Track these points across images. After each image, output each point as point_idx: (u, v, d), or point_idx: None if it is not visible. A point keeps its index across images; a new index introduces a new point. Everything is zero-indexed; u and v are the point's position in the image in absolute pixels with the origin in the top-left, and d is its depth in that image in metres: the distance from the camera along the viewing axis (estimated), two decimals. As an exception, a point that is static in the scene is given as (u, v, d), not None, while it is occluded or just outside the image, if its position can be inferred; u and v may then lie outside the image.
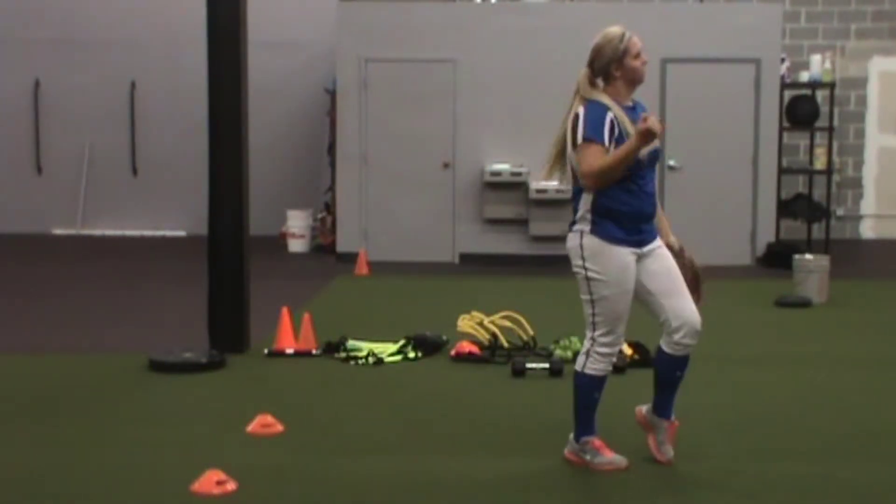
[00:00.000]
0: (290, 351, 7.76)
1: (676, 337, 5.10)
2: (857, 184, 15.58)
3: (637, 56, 5.11)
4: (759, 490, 4.97)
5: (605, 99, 5.08)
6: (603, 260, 5.04)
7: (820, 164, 13.60)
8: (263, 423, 5.86)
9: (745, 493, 4.94)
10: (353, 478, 5.11)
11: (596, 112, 5.03)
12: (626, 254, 5.03)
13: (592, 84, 5.15)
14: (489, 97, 13.03)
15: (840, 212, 15.44)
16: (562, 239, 13.88)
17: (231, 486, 4.89)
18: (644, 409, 5.40)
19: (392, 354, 7.71)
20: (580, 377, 5.23)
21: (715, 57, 12.80)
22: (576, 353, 7.47)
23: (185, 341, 7.87)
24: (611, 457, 5.23)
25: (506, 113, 13.04)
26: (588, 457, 5.24)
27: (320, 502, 4.84)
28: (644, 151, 4.96)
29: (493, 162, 13.00)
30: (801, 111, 13.57)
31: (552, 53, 12.96)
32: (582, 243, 5.09)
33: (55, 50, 15.59)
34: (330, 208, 14.12)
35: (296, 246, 14.07)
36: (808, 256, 10.53)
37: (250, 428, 5.84)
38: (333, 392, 6.82)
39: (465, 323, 7.96)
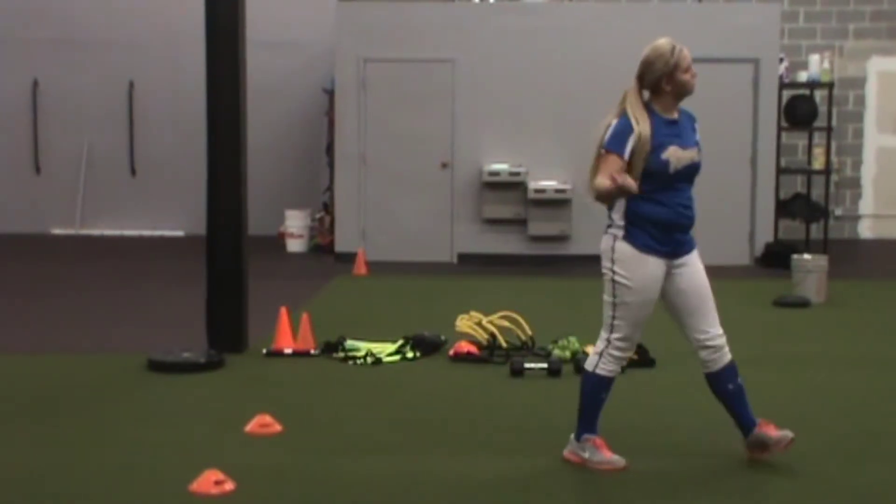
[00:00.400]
0: (288, 351, 7.76)
1: (701, 355, 5.21)
2: (855, 184, 15.58)
3: (687, 70, 5.12)
4: (757, 490, 4.97)
5: (644, 115, 5.09)
6: (632, 267, 5.08)
7: (818, 163, 13.61)
8: (262, 423, 5.86)
9: (743, 492, 4.94)
10: (351, 478, 5.12)
11: (624, 125, 5.07)
12: (655, 263, 5.09)
13: (639, 97, 5.15)
14: (488, 97, 13.03)
15: (838, 212, 15.45)
16: (559, 239, 14.00)
17: (229, 485, 4.89)
18: (745, 447, 5.38)
19: (390, 354, 7.71)
20: (590, 376, 5.25)
21: (713, 57, 12.78)
22: (574, 353, 7.52)
23: (184, 341, 7.86)
24: (609, 456, 5.23)
25: (504, 113, 13.04)
26: (587, 454, 5.24)
27: (319, 502, 4.84)
28: (680, 164, 5.05)
29: (492, 162, 13.00)
30: (799, 111, 13.58)
31: (551, 53, 12.97)
32: (614, 246, 5.13)
33: (54, 50, 15.59)
34: (328, 208, 14.12)
35: (294, 246, 14.08)
36: (807, 256, 10.54)
37: (249, 428, 5.84)
38: (332, 392, 6.82)
39: (464, 323, 7.96)
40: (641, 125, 5.04)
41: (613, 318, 5.15)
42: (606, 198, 5.05)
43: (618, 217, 5.13)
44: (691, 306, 5.17)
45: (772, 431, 5.27)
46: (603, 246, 5.19)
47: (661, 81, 5.12)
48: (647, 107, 5.14)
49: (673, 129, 5.12)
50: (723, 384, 5.25)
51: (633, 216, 5.08)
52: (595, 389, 5.25)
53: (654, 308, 5.18)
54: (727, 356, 5.24)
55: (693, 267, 5.19)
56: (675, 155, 5.06)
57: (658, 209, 5.07)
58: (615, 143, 5.06)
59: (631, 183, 4.89)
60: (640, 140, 5.02)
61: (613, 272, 5.11)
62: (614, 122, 5.13)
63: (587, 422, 5.29)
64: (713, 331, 5.20)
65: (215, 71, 7.76)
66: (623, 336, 5.16)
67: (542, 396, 6.69)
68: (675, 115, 5.19)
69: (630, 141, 5.03)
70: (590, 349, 7.56)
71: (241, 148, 7.82)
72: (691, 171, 5.14)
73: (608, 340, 5.19)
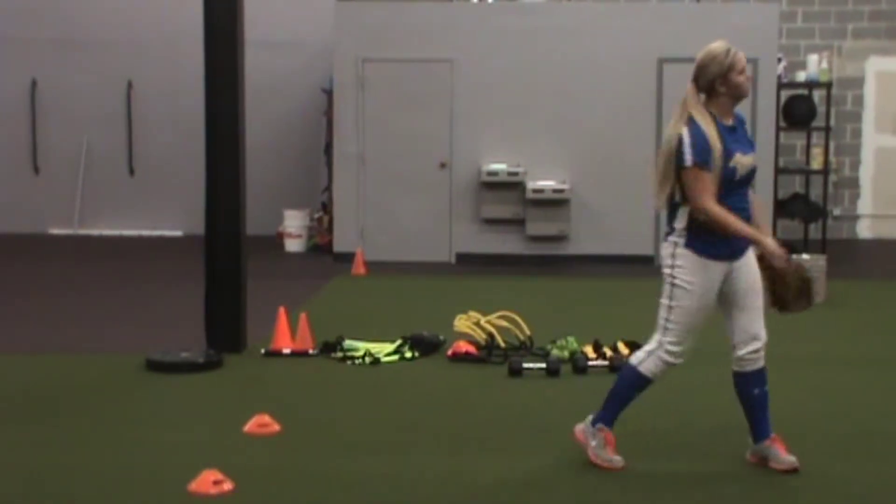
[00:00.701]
0: (286, 351, 7.76)
1: (738, 353, 5.20)
2: (853, 184, 15.59)
3: (742, 72, 5.12)
4: (756, 489, 4.97)
5: (709, 121, 5.08)
6: (693, 272, 5.10)
7: (817, 163, 13.61)
8: (260, 423, 5.86)
9: (742, 492, 4.94)
10: (349, 477, 5.12)
11: (700, 135, 5.03)
12: (716, 269, 5.11)
13: (699, 101, 5.16)
14: (486, 97, 13.03)
15: (837, 212, 15.45)
16: (558, 239, 13.97)
17: (228, 485, 4.89)
18: (748, 452, 5.38)
19: (389, 354, 7.71)
20: (630, 371, 5.28)
21: (712, 57, 12.79)
22: (572, 353, 7.52)
23: (183, 341, 7.87)
24: (611, 455, 5.24)
25: (503, 113, 13.04)
26: (593, 443, 5.26)
27: (317, 502, 4.84)
28: (744, 171, 5.08)
29: (490, 162, 12.99)
30: (797, 111, 13.58)
31: (549, 53, 12.97)
32: (675, 252, 5.16)
33: (52, 50, 15.57)
34: (327, 208, 14.12)
35: (293, 246, 14.07)
36: (805, 256, 10.54)
37: (247, 428, 5.84)
38: (330, 392, 6.82)
39: (462, 323, 7.96)
40: (711, 133, 5.03)
41: (668, 320, 5.17)
42: (729, 232, 5.02)
43: (680, 225, 5.15)
44: (742, 304, 5.18)
45: (781, 451, 5.26)
46: (664, 252, 5.24)
47: (715, 83, 5.12)
48: (710, 114, 5.12)
49: (733, 136, 5.13)
50: (749, 387, 5.25)
51: (695, 224, 5.09)
52: (629, 385, 5.30)
53: (707, 317, 5.19)
54: (761, 361, 5.24)
55: (749, 266, 5.20)
56: (740, 162, 5.07)
57: None
58: (703, 156, 5.00)
59: (783, 260, 5.02)
60: (714, 154, 5.01)
61: (674, 276, 5.13)
62: (685, 130, 5.06)
63: (609, 413, 5.32)
64: (757, 332, 5.20)
65: (214, 71, 7.76)
66: (675, 340, 5.18)
67: (540, 396, 6.69)
68: (732, 121, 5.19)
69: (711, 152, 5.01)
70: (588, 349, 7.60)
71: (239, 148, 7.82)
72: (752, 175, 5.18)
73: (660, 342, 5.21)
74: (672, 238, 5.19)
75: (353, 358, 7.61)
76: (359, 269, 12.09)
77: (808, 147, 14.19)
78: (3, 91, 15.71)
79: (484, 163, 12.99)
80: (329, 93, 13.85)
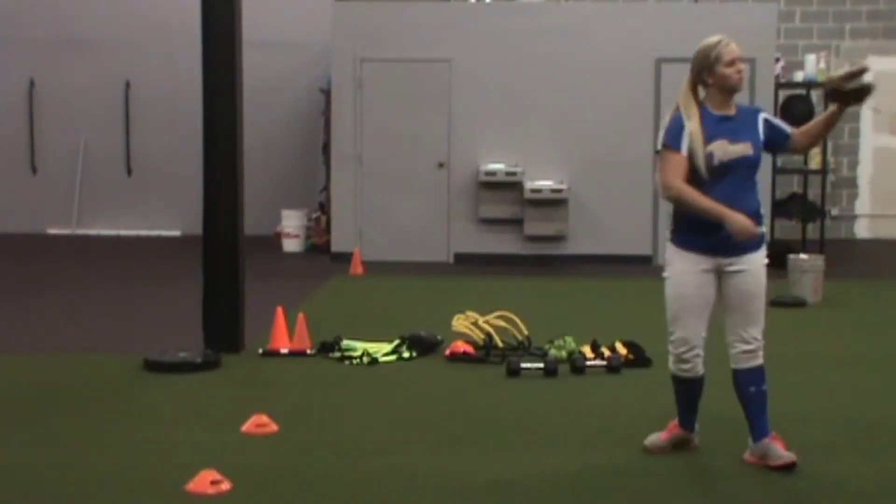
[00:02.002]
0: (284, 351, 7.75)
1: (731, 350, 5.26)
2: (851, 183, 15.59)
3: (731, 63, 5.16)
4: (754, 489, 4.97)
5: (692, 111, 5.17)
6: (671, 262, 5.28)
7: (815, 163, 13.61)
8: (258, 423, 5.86)
9: (740, 492, 4.94)
10: (347, 477, 5.11)
11: (677, 120, 5.17)
12: (695, 261, 5.18)
13: (694, 92, 5.24)
14: (484, 97, 13.03)
15: (835, 212, 15.46)
16: (556, 239, 13.96)
17: (226, 485, 4.89)
18: (747, 452, 5.39)
19: (387, 354, 7.70)
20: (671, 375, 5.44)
21: (710, 57, 12.79)
22: (570, 353, 7.51)
23: (180, 341, 7.86)
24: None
25: (501, 113, 13.04)
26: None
27: (315, 502, 4.84)
28: (727, 158, 5.10)
29: (488, 162, 12.99)
30: (795, 111, 13.56)
31: (547, 53, 12.97)
32: (666, 246, 5.34)
33: (50, 50, 15.56)
34: (325, 208, 14.11)
35: (290, 246, 14.07)
36: (803, 256, 10.54)
37: (245, 428, 5.84)
38: (328, 392, 6.82)
39: (460, 323, 7.95)
40: (692, 121, 5.12)
41: (667, 316, 5.32)
42: (698, 211, 5.09)
43: (670, 218, 5.30)
44: (736, 307, 5.22)
45: (780, 448, 5.26)
46: None
47: (702, 75, 5.19)
48: (700, 104, 5.20)
49: (726, 125, 5.17)
50: (745, 385, 5.28)
51: (679, 214, 5.21)
52: (675, 387, 5.44)
53: (704, 312, 5.24)
54: (757, 360, 5.25)
55: (751, 274, 5.21)
56: (721, 148, 5.09)
57: None
58: (670, 137, 5.14)
59: (750, 230, 5.04)
60: (691, 137, 5.09)
61: (664, 269, 5.31)
62: (666, 118, 5.24)
63: (680, 416, 5.49)
64: (748, 336, 5.21)
65: (211, 71, 7.76)
66: (676, 337, 5.28)
67: (538, 396, 6.69)
68: (731, 112, 5.23)
69: (684, 136, 5.11)
70: (586, 349, 7.60)
71: (237, 148, 7.82)
72: (741, 165, 5.15)
73: (669, 340, 5.34)
74: (668, 233, 5.35)
75: (350, 358, 7.61)
76: (356, 269, 12.09)
77: (806, 147, 14.16)
78: (0, 91, 15.70)
79: (482, 163, 12.99)
80: (327, 93, 13.85)
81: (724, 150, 5.09)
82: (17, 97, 15.71)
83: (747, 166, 5.18)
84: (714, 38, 5.22)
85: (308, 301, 9.99)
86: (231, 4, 7.73)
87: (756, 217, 5.14)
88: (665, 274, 5.31)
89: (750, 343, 5.21)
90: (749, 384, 5.26)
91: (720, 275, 5.21)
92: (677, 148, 5.12)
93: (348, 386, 6.96)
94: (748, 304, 5.21)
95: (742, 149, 5.14)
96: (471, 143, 13.05)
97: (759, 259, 5.24)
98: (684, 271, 5.21)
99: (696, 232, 5.15)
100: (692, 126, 5.11)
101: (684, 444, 5.48)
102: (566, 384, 6.99)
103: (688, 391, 5.39)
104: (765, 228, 5.27)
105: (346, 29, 12.99)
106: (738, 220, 5.01)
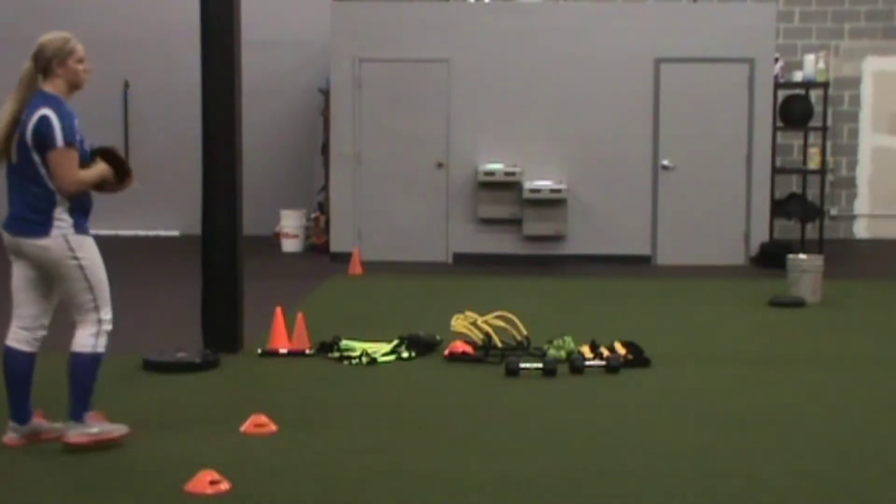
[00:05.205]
0: (283, 351, 7.75)
1: (38, 335, 5.76)
2: (850, 183, 15.60)
3: (80, 60, 5.57)
4: (752, 489, 4.97)
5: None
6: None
7: (814, 163, 13.61)
8: (257, 423, 5.86)
9: (738, 492, 4.94)
10: (346, 477, 5.11)
11: (71, 115, 5.46)
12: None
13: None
14: (483, 97, 13.03)
15: (834, 211, 15.46)
16: (554, 239, 13.97)
17: (224, 485, 4.89)
18: (15, 436, 5.61)
19: (386, 354, 7.70)
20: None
21: (708, 56, 12.80)
22: (569, 353, 7.51)
23: (179, 341, 7.86)
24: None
25: (499, 113, 13.04)
26: None
27: (314, 502, 4.84)
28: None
29: (487, 162, 13.00)
30: (794, 111, 13.58)
31: (546, 53, 12.97)
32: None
33: (48, 49, 15.54)
34: (323, 208, 14.11)
35: (289, 246, 14.07)
36: (802, 256, 10.54)
37: (244, 428, 5.84)
38: (327, 392, 6.81)
39: (459, 323, 7.95)
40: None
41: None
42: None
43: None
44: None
45: (46, 421, 5.64)
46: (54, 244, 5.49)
47: (52, 65, 5.60)
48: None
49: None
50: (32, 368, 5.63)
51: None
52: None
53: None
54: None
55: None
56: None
57: None
58: (73, 134, 5.38)
59: None
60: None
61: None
62: (49, 112, 5.43)
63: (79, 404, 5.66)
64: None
65: (210, 71, 7.76)
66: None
67: (537, 396, 6.69)
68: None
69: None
70: (585, 349, 7.59)
71: (236, 148, 7.81)
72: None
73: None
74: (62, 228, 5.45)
75: (349, 358, 7.61)
76: (355, 269, 12.09)
77: (805, 147, 14.18)
78: (0, 91, 15.66)
79: (481, 163, 12.99)
80: (326, 93, 13.85)
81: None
82: (15, 97, 15.68)
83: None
84: (65, 34, 5.60)
85: (307, 301, 9.98)
86: (230, 4, 7.73)
87: None
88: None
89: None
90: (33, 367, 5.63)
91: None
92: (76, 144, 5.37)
93: (347, 386, 6.96)
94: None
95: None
96: (470, 143, 13.05)
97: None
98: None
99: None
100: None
101: None
102: (565, 384, 6.99)
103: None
104: None
105: (345, 29, 12.99)
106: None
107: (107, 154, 5.58)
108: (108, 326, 5.66)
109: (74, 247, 5.46)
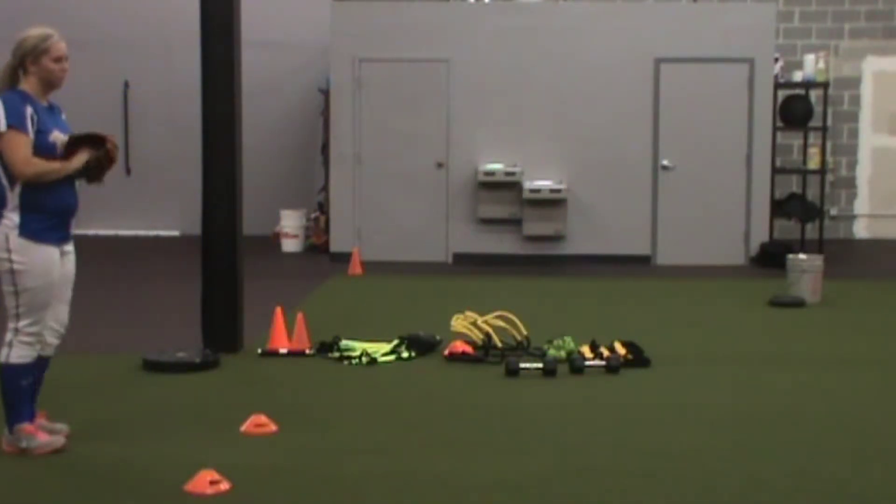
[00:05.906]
0: (283, 351, 7.75)
1: (48, 339, 5.57)
2: (850, 183, 15.59)
3: (58, 59, 5.55)
4: (751, 489, 4.97)
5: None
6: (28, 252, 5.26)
7: (814, 163, 13.61)
8: (257, 423, 5.85)
9: (737, 492, 4.94)
10: (346, 477, 5.11)
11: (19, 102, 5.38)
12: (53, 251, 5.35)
13: (13, 78, 5.50)
14: (483, 97, 13.03)
15: (834, 211, 15.46)
16: (554, 239, 13.99)
17: (224, 485, 4.89)
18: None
19: (386, 354, 7.70)
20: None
21: (708, 56, 12.80)
22: (569, 353, 7.51)
23: (179, 341, 7.86)
24: None
25: (499, 113, 13.04)
26: None
27: (314, 502, 4.84)
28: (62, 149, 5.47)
29: (487, 162, 13.00)
30: (794, 111, 13.58)
31: (546, 53, 12.97)
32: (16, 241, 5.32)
33: (48, 49, 15.54)
34: (323, 208, 14.12)
35: (289, 246, 14.07)
36: (802, 256, 10.54)
37: (244, 428, 5.84)
38: (327, 392, 6.82)
39: (459, 323, 7.95)
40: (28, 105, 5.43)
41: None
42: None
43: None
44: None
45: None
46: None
47: (26, 62, 5.49)
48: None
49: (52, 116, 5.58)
50: (41, 371, 5.55)
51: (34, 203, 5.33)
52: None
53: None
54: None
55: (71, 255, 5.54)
56: (59, 138, 5.50)
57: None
58: (18, 118, 5.33)
59: None
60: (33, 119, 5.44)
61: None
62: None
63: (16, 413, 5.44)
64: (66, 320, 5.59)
65: (210, 71, 7.76)
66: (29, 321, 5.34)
67: (537, 396, 6.69)
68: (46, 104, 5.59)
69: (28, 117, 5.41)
70: (585, 349, 7.60)
71: (236, 148, 7.81)
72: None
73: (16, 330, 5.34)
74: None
75: (349, 358, 7.61)
76: (355, 269, 12.09)
77: (804, 147, 14.18)
78: (-1, 91, 15.68)
79: (481, 163, 12.99)
80: (326, 93, 13.85)
81: (61, 140, 5.44)
82: (15, 97, 15.68)
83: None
84: (46, 30, 5.53)
85: (307, 301, 9.98)
86: (230, 4, 7.73)
87: None
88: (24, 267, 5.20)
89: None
90: (44, 370, 5.57)
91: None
92: (26, 129, 5.30)
93: (347, 386, 6.96)
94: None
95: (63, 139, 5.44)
96: (470, 143, 13.05)
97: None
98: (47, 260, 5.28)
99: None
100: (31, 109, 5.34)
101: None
102: (565, 384, 6.99)
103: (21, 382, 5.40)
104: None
105: (345, 29, 12.99)
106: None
107: (80, 140, 5.50)
108: (25, 338, 5.31)
109: (12, 248, 5.20)
